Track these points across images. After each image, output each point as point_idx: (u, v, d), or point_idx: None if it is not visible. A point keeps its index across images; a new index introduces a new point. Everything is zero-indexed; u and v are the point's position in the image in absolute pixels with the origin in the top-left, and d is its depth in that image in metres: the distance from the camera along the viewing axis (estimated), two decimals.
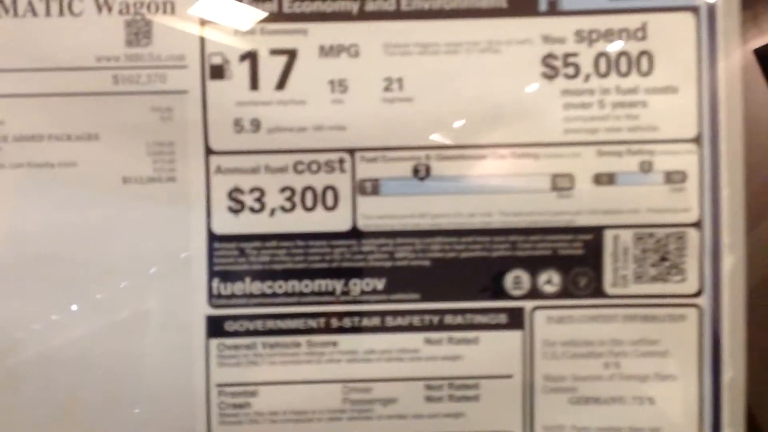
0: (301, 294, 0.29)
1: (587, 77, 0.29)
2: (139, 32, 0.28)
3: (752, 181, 0.29)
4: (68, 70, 0.28)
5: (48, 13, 0.28)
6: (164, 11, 0.28)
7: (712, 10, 0.29)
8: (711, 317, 0.29)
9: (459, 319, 0.29)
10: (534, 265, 0.29)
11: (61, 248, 0.28)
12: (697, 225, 0.29)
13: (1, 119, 0.28)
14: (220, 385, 0.29)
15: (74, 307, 0.28)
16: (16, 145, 0.28)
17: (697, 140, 0.29)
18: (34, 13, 0.28)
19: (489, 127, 0.29)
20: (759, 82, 0.38)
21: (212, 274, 0.29)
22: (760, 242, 0.32)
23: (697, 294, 0.29)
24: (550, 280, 0.29)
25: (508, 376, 0.29)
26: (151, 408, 0.29)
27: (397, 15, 0.29)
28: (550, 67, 0.29)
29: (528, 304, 0.29)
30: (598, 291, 0.29)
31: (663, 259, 0.29)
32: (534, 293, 0.29)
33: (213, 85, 0.28)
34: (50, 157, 0.28)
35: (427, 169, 0.29)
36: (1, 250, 0.28)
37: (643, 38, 0.29)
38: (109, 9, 0.28)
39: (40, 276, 0.28)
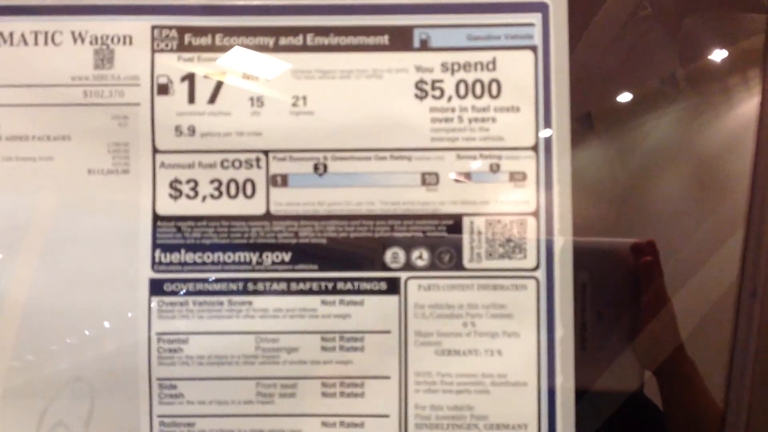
0: (224, 263, 0.37)
1: (450, 98, 0.37)
2: (104, 58, 0.37)
3: None
4: (49, 86, 0.37)
5: (36, 43, 0.37)
6: (124, 43, 0.37)
7: (546, 48, 0.37)
8: (546, 287, 0.37)
9: (348, 286, 0.37)
10: (408, 244, 0.37)
11: (36, 222, 0.37)
12: (535, 214, 0.37)
13: None
14: (159, 333, 0.37)
15: (40, 266, 0.37)
16: (8, 143, 0.37)
17: (534, 148, 0.37)
18: (26, 43, 0.37)
19: (373, 135, 0.37)
20: None
21: (155, 246, 0.37)
22: None
23: (535, 268, 0.37)
24: (421, 256, 0.37)
25: (387, 332, 0.37)
26: (102, 351, 0.37)
27: (304, 48, 0.37)
28: (421, 90, 0.37)
29: (403, 275, 0.37)
30: (458, 265, 0.37)
31: (508, 240, 0.37)
32: (408, 266, 0.37)
33: (160, 100, 0.37)
34: (33, 153, 0.37)
35: (325, 167, 0.37)
36: None
37: (493, 69, 0.37)
38: (82, 40, 0.37)
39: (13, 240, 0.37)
